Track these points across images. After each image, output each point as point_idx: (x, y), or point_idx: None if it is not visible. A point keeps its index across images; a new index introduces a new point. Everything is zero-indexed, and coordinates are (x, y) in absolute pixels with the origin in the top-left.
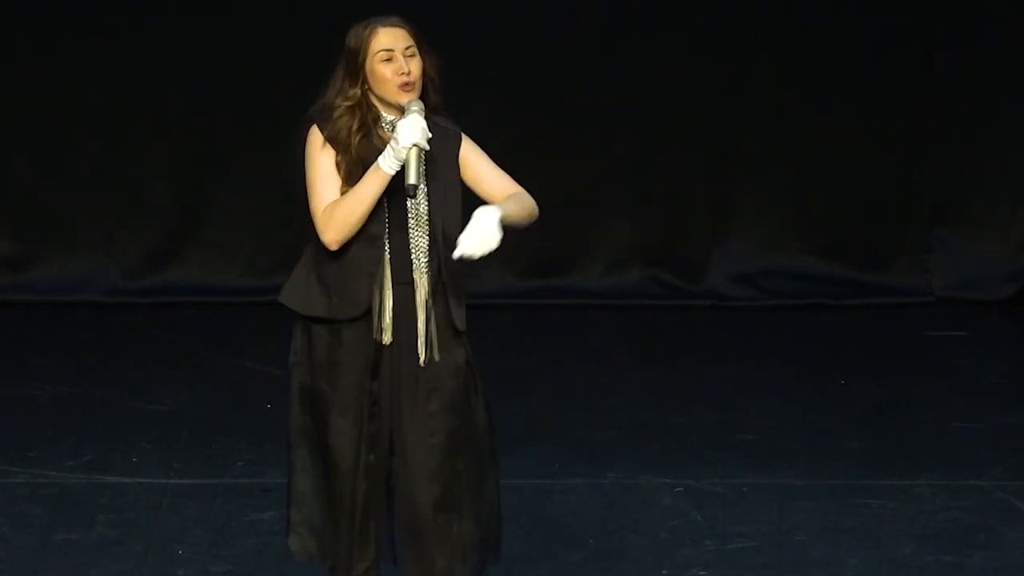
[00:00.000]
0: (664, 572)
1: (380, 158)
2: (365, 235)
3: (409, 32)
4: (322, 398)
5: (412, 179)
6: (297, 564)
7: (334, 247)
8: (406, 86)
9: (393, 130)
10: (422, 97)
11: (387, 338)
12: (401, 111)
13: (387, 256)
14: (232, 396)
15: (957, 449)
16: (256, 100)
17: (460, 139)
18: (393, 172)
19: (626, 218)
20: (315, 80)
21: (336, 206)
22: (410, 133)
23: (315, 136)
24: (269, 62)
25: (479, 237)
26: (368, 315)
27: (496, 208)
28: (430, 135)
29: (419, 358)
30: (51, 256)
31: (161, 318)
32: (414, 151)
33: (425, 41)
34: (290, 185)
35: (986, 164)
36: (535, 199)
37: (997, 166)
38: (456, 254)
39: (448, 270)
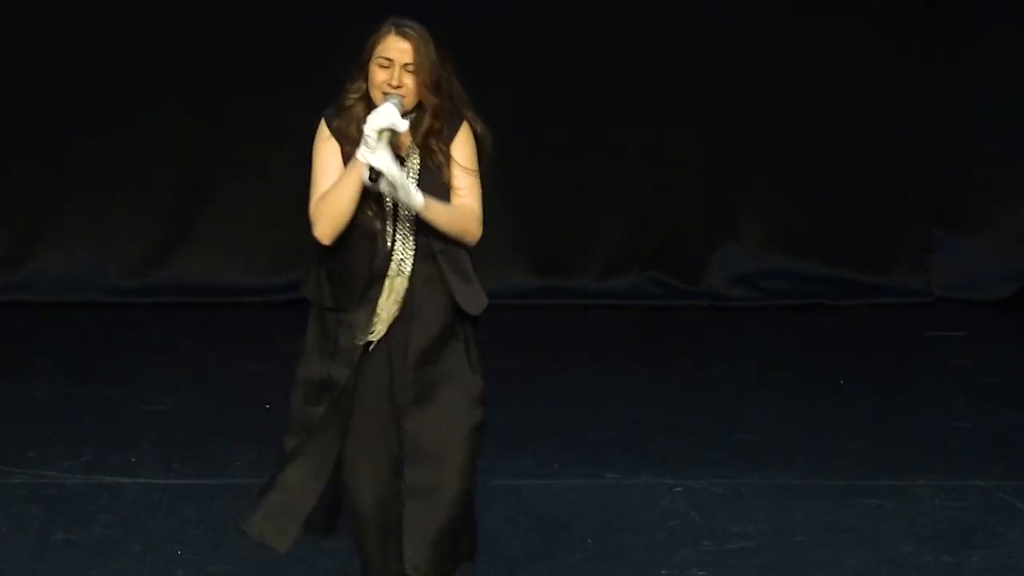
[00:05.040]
0: (663, 572)
1: (358, 149)
2: (362, 229)
3: (416, 48)
4: (341, 391)
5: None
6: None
7: (326, 240)
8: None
9: None
10: (421, 113)
11: (380, 330)
12: None
13: (388, 250)
14: (232, 396)
15: (957, 449)
16: (256, 99)
17: (457, 129)
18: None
19: (625, 219)
20: (316, 79)
21: (323, 198)
22: (379, 118)
23: (321, 129)
24: (270, 61)
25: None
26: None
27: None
28: (406, 124)
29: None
30: (51, 256)
31: (161, 318)
32: (385, 136)
33: (434, 56)
34: (290, 184)
35: (986, 164)
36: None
37: (997, 166)
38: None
39: (447, 258)
